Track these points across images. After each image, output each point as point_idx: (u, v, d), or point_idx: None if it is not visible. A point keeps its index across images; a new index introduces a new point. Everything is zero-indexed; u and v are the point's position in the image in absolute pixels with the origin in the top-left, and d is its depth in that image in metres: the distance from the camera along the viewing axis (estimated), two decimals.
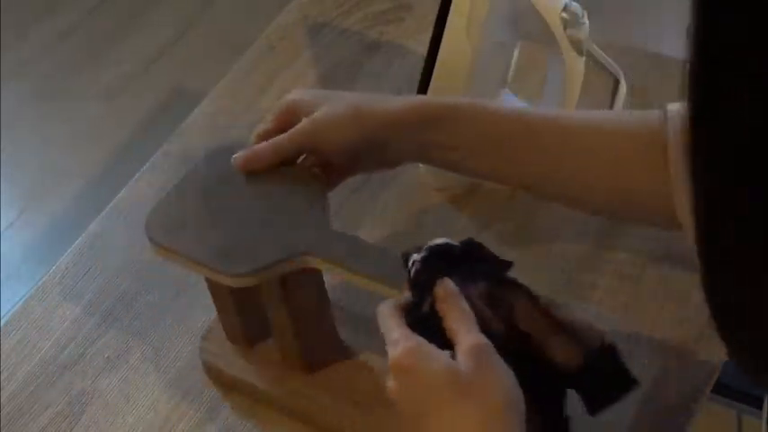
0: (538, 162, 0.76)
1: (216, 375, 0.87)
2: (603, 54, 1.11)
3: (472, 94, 0.94)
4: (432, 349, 0.63)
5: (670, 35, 2.30)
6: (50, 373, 0.90)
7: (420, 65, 0.91)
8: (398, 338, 0.63)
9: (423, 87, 0.93)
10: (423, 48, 0.91)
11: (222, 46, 2.43)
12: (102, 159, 2.28)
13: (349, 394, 0.81)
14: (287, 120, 0.80)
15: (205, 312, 0.92)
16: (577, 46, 0.90)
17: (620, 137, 0.73)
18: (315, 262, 0.73)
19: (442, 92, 0.93)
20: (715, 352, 0.85)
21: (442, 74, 0.91)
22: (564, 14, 0.88)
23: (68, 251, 1.00)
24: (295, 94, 0.81)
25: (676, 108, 0.71)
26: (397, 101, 0.78)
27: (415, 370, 0.62)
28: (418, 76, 0.93)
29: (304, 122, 0.78)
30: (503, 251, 0.94)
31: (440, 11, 0.88)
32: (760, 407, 1.14)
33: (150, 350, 0.91)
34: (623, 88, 1.07)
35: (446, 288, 0.66)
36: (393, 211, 0.99)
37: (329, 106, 0.77)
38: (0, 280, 2.06)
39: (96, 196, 2.18)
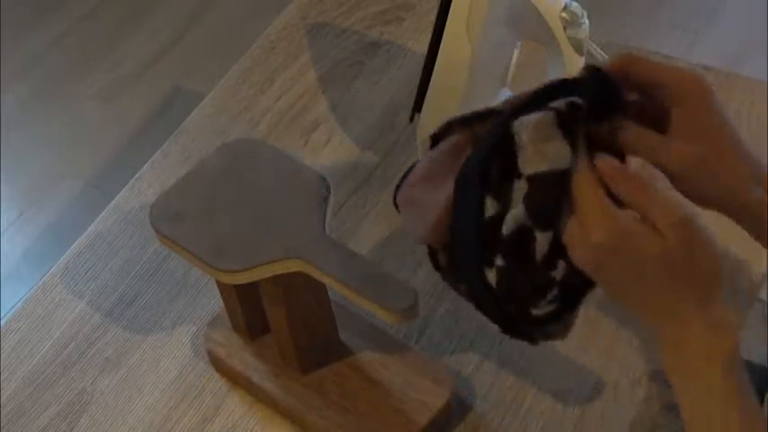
0: None
1: (218, 364, 0.87)
2: (603, 54, 1.11)
3: (472, 94, 0.94)
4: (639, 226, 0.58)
5: (670, 35, 2.31)
6: (50, 373, 0.90)
7: (420, 65, 0.91)
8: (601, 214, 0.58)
9: (423, 87, 0.93)
10: (423, 48, 0.91)
11: (222, 46, 2.43)
12: (102, 160, 2.28)
13: (339, 398, 0.81)
14: None
15: (205, 312, 0.92)
16: (577, 46, 0.90)
17: None
18: (302, 267, 0.73)
19: (442, 92, 0.93)
20: None
21: (441, 74, 0.91)
22: (564, 14, 0.88)
23: (68, 251, 1.00)
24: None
25: None
26: None
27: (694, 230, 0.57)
28: (418, 76, 0.93)
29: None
30: None
31: (440, 11, 0.88)
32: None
33: (150, 350, 0.91)
34: None
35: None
36: (393, 211, 0.99)
37: None
38: (0, 280, 2.06)
39: (96, 196, 2.18)
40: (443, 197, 0.62)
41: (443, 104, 0.94)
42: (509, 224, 0.59)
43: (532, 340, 0.65)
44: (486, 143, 0.61)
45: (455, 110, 0.94)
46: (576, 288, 0.62)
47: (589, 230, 0.58)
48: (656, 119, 0.63)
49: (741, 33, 2.29)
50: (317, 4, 1.23)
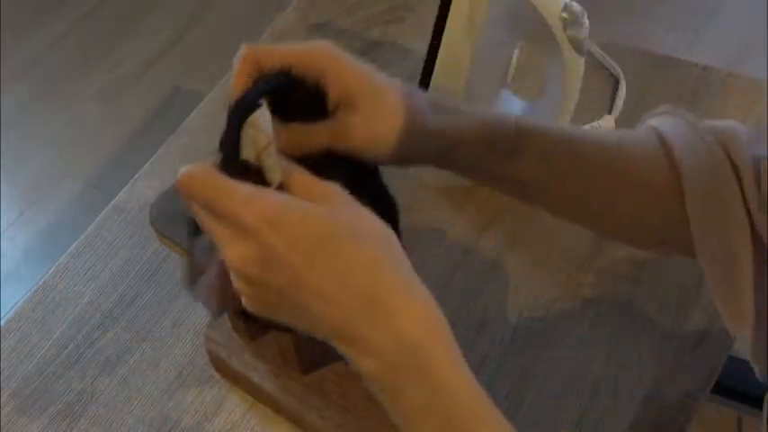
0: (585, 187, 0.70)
1: (218, 364, 0.87)
2: (603, 54, 1.11)
3: (472, 94, 0.94)
4: (292, 198, 0.54)
5: (670, 35, 2.31)
6: (50, 373, 0.90)
7: (420, 65, 0.91)
8: (250, 195, 0.53)
9: (423, 87, 0.93)
10: (423, 48, 0.91)
11: (222, 46, 2.43)
12: (102, 160, 2.28)
13: (339, 398, 0.81)
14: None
15: (205, 312, 0.92)
16: (577, 46, 0.90)
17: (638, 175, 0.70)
18: None
19: (442, 92, 0.93)
20: (715, 352, 0.85)
21: (441, 74, 0.91)
22: (564, 14, 0.88)
23: (68, 251, 1.00)
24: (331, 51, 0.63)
25: (672, 131, 0.69)
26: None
27: (289, 222, 0.52)
28: (418, 76, 0.93)
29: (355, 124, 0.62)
30: (502, 251, 0.95)
31: (440, 11, 0.88)
32: (760, 407, 1.13)
33: (150, 350, 0.91)
34: (623, 88, 1.07)
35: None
36: None
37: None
38: (0, 280, 2.06)
39: (96, 196, 2.18)
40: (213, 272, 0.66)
41: None
42: None
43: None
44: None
45: None
46: None
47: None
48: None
49: (741, 33, 2.29)
50: (316, 4, 1.23)
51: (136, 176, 1.06)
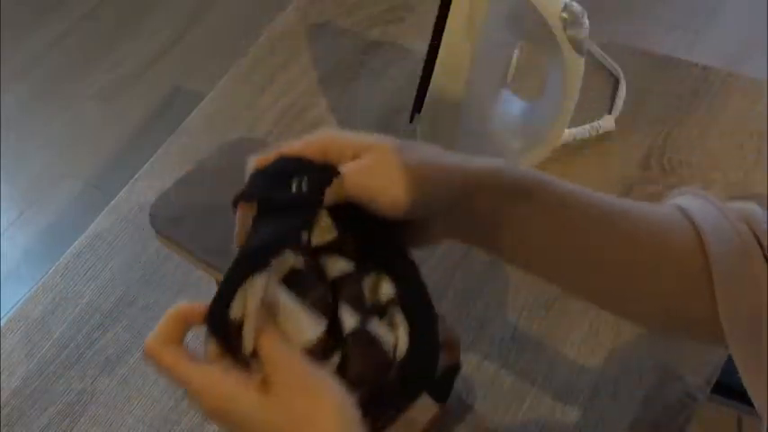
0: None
1: None
2: (603, 54, 1.11)
3: (472, 94, 0.94)
4: (240, 391, 0.56)
5: (670, 35, 2.31)
6: (50, 373, 0.90)
7: (420, 65, 0.91)
8: (202, 387, 0.57)
9: (423, 87, 0.93)
10: (423, 48, 0.91)
11: (222, 46, 2.43)
12: (102, 160, 2.28)
13: None
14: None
15: None
16: (577, 46, 0.90)
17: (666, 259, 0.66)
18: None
19: (442, 92, 0.93)
20: (715, 352, 0.85)
21: (441, 74, 0.91)
22: (564, 14, 0.88)
23: (68, 251, 1.00)
24: (330, 132, 0.62)
25: (701, 215, 0.65)
26: (473, 160, 0.64)
27: (235, 418, 0.57)
28: (418, 76, 0.93)
29: (352, 167, 0.60)
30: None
31: (440, 11, 0.88)
32: None
33: None
34: (623, 88, 1.07)
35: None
36: None
37: (379, 152, 0.61)
38: (0, 280, 2.06)
39: (96, 196, 2.18)
40: None
41: (443, 104, 0.94)
42: None
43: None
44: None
45: (455, 110, 0.95)
46: None
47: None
48: None
49: (741, 33, 2.30)
50: (317, 4, 1.23)
51: (136, 176, 1.06)
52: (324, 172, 0.58)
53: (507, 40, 0.94)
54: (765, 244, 0.63)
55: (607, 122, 1.03)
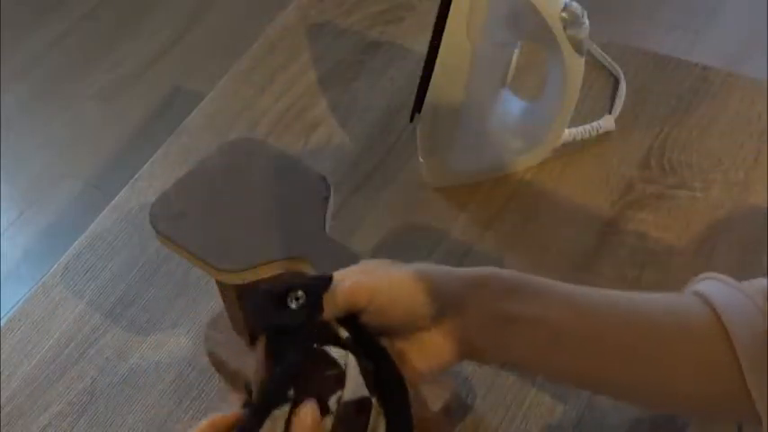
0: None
1: (218, 365, 0.87)
2: (603, 54, 1.11)
3: (472, 94, 0.94)
4: None
5: (670, 35, 2.31)
6: (50, 373, 0.90)
7: (420, 65, 0.91)
8: None
9: (423, 87, 0.93)
10: (423, 48, 0.91)
11: (222, 46, 2.43)
12: (102, 159, 2.28)
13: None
14: None
15: (205, 312, 0.92)
16: (577, 46, 0.90)
17: (681, 342, 0.64)
18: (303, 267, 0.73)
19: (442, 92, 0.93)
20: None
21: (441, 74, 0.91)
22: (564, 14, 0.88)
23: (68, 251, 1.00)
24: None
25: (722, 300, 0.63)
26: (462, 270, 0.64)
27: None
28: (418, 76, 0.93)
29: (344, 273, 0.61)
30: (503, 251, 0.95)
31: (440, 11, 0.88)
32: None
33: (150, 350, 0.91)
34: (623, 88, 1.07)
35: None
36: (393, 211, 0.99)
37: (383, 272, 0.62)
38: (0, 280, 2.06)
39: (96, 196, 2.18)
40: None
41: (443, 104, 0.94)
42: None
43: None
44: None
45: (455, 110, 0.95)
46: None
47: None
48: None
49: (741, 33, 2.29)
50: (317, 4, 1.23)
51: (136, 176, 1.06)
52: (317, 280, 0.59)
53: (507, 40, 0.94)
54: None
55: (607, 122, 1.03)
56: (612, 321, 0.63)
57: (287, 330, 0.58)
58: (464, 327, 0.61)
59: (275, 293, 0.58)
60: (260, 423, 0.56)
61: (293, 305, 0.58)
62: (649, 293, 0.65)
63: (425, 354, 0.62)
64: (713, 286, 0.64)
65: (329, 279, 0.59)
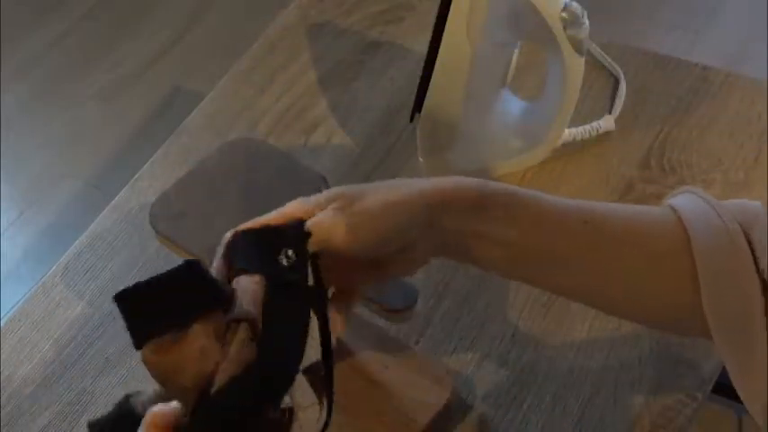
0: (594, 271, 0.66)
1: None
2: (603, 54, 1.11)
3: (472, 94, 0.94)
4: None
5: (670, 35, 2.31)
6: (50, 373, 0.90)
7: (420, 65, 0.91)
8: None
9: (423, 87, 0.93)
10: (423, 48, 0.91)
11: (222, 46, 2.43)
12: (102, 159, 2.28)
13: (339, 398, 0.81)
14: None
15: None
16: (577, 46, 0.90)
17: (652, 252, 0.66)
18: None
19: (442, 92, 0.93)
20: (715, 352, 0.85)
21: (441, 74, 0.91)
22: (564, 14, 0.88)
23: (68, 251, 1.00)
24: (294, 202, 0.65)
25: (690, 212, 0.65)
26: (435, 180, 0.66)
27: None
28: (418, 76, 0.93)
29: (315, 221, 0.63)
30: None
31: (440, 11, 0.88)
32: None
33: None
34: (623, 88, 1.07)
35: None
36: None
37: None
38: (0, 280, 2.06)
39: (96, 196, 2.18)
40: None
41: (443, 104, 0.94)
42: None
43: None
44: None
45: (455, 110, 0.95)
46: None
47: None
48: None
49: (741, 33, 2.30)
50: (317, 4, 1.23)
51: (136, 176, 1.06)
52: (298, 237, 0.60)
53: (507, 40, 0.94)
54: (758, 254, 0.62)
55: (607, 122, 1.03)
56: (582, 241, 0.65)
57: (285, 284, 0.58)
58: (433, 243, 0.65)
59: (268, 247, 0.59)
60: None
61: (284, 262, 0.59)
62: (628, 206, 0.68)
63: (402, 263, 0.66)
64: (687, 199, 0.66)
65: (306, 235, 0.60)
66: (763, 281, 0.61)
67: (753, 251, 0.62)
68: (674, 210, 0.66)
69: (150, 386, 0.57)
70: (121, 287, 0.53)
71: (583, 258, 0.65)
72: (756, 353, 0.61)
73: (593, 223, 0.65)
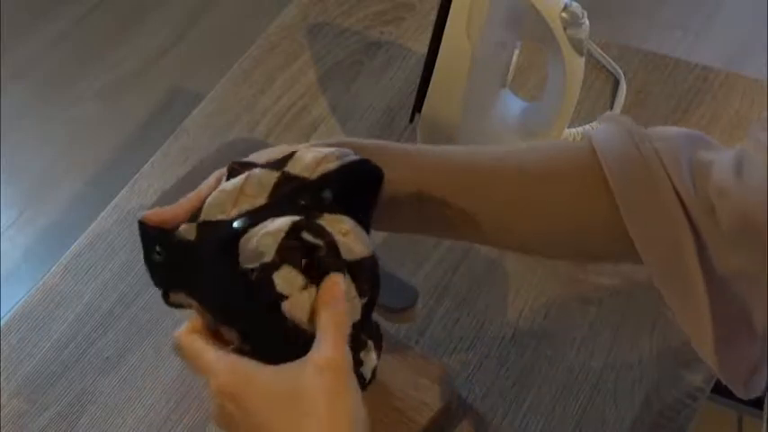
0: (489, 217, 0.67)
1: None
2: (603, 54, 1.11)
3: (472, 94, 0.94)
4: (258, 367, 0.58)
5: (670, 35, 2.31)
6: (50, 373, 0.90)
7: (420, 65, 0.91)
8: (214, 361, 0.60)
9: (423, 87, 0.93)
10: (423, 48, 0.91)
11: (222, 46, 2.43)
12: (102, 160, 2.28)
13: None
14: None
15: None
16: (577, 46, 0.90)
17: (559, 180, 0.67)
18: None
19: (442, 92, 0.93)
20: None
21: (441, 74, 0.91)
22: (564, 14, 0.88)
23: (68, 251, 1.00)
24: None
25: (602, 137, 0.66)
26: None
27: (246, 396, 0.57)
28: (418, 76, 0.93)
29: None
30: (503, 251, 0.95)
31: (440, 11, 0.88)
32: (760, 407, 1.14)
33: (150, 350, 0.91)
34: (623, 88, 1.07)
35: (336, 289, 0.58)
36: None
37: None
38: (0, 280, 2.06)
39: (96, 196, 2.18)
40: None
41: (443, 104, 0.94)
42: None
43: None
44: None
45: (455, 110, 0.95)
46: None
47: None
48: None
49: (741, 33, 2.29)
50: (317, 4, 1.23)
51: (136, 176, 1.06)
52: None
53: (507, 40, 0.94)
54: (670, 171, 0.63)
55: None
56: (483, 173, 0.66)
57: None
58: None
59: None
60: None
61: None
62: (544, 143, 0.71)
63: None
64: (603, 127, 0.67)
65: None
66: (681, 201, 0.61)
67: (665, 168, 0.63)
68: (587, 137, 0.66)
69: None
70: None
71: (498, 193, 0.66)
72: (697, 285, 0.61)
73: (508, 161, 0.67)
